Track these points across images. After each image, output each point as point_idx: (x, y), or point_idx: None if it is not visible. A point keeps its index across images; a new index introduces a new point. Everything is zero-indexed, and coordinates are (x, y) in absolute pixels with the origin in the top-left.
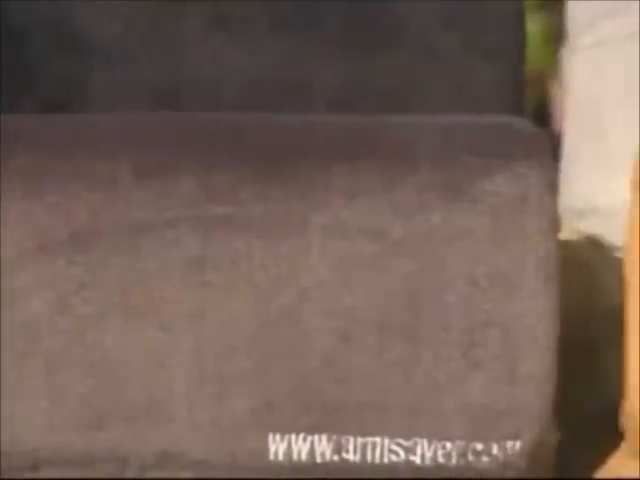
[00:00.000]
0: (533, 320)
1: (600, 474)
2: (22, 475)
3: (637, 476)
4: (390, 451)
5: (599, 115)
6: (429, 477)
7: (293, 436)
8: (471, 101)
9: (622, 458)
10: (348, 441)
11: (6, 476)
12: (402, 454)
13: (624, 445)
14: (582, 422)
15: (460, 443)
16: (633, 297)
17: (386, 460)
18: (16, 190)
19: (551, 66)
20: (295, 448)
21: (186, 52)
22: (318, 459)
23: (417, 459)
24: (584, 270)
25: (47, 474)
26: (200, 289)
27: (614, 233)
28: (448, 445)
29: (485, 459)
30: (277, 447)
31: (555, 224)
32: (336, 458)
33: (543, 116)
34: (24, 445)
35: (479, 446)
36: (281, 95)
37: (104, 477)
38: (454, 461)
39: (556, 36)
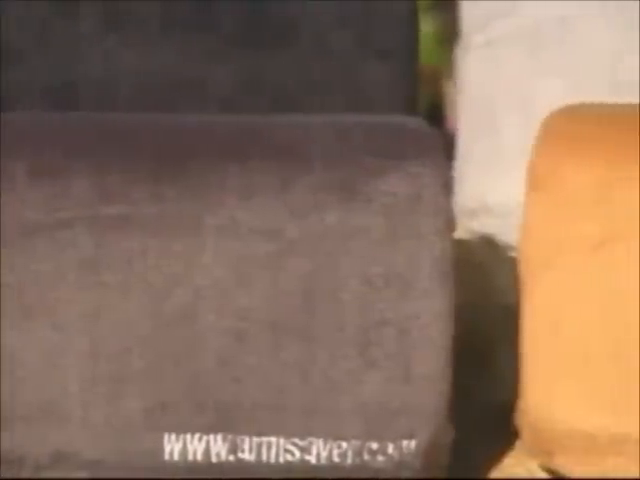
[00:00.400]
0: (428, 319)
1: (495, 473)
2: None
3: (531, 475)
4: (285, 451)
5: (492, 114)
6: (325, 477)
7: (188, 436)
8: (365, 101)
9: (517, 457)
10: (243, 441)
11: None
12: (297, 454)
13: (519, 444)
14: (477, 421)
15: (356, 442)
16: (527, 296)
17: (281, 460)
18: None
19: (445, 65)
20: (190, 448)
21: (80, 52)
22: (213, 459)
23: (312, 459)
24: (478, 269)
25: None
26: (94, 289)
27: (508, 233)
28: (344, 444)
29: (380, 458)
30: (172, 447)
31: (449, 223)
32: (232, 458)
33: (437, 116)
34: None
35: (374, 445)
36: (175, 95)
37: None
38: (350, 460)
39: (450, 36)
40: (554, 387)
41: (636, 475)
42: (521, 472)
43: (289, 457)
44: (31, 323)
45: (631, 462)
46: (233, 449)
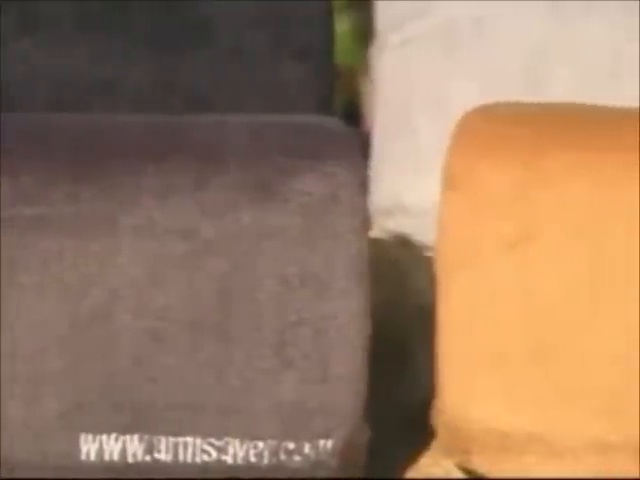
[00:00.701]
0: (344, 319)
1: (411, 473)
2: None
3: (448, 475)
4: (202, 451)
5: (408, 114)
6: (241, 477)
7: (105, 436)
8: (281, 101)
9: (433, 457)
10: (160, 441)
11: None
12: (214, 454)
13: (435, 443)
14: (394, 421)
15: (272, 442)
16: (443, 295)
17: (198, 460)
18: None
19: (361, 65)
20: (107, 448)
21: None
22: (130, 459)
23: (229, 458)
24: (395, 269)
25: None
26: (11, 290)
27: (424, 232)
28: (260, 444)
29: (297, 458)
30: (89, 447)
31: (365, 223)
32: (148, 458)
33: (353, 115)
34: None
35: (291, 445)
36: (89, 96)
37: None
38: (266, 460)
39: (366, 35)
40: (470, 386)
41: (551, 474)
42: (437, 472)
43: (206, 457)
44: None
45: (547, 461)
46: (149, 449)
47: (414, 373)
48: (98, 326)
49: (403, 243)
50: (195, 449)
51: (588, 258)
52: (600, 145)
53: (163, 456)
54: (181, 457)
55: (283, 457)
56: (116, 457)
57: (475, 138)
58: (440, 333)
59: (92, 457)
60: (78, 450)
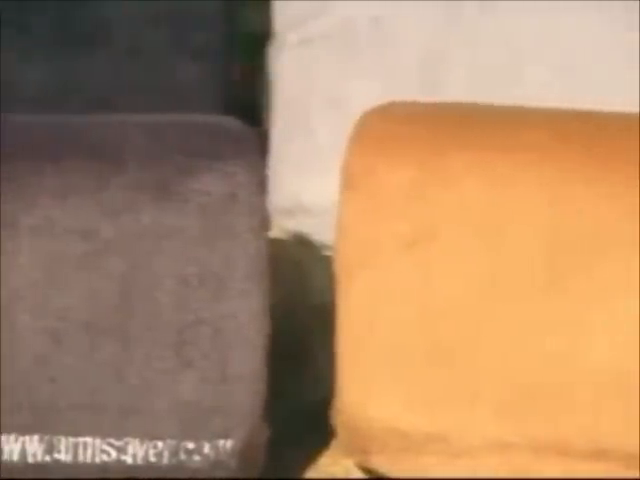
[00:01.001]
0: (244, 318)
1: (311, 472)
2: None
3: (347, 474)
4: (102, 451)
5: (306, 114)
6: (141, 476)
7: (4, 437)
8: (180, 100)
9: (333, 456)
10: (60, 441)
11: None
12: (114, 454)
13: (335, 443)
14: (293, 421)
15: (171, 442)
16: (343, 295)
17: (97, 460)
18: None
19: (260, 65)
20: (6, 448)
21: None
22: (30, 459)
23: (129, 458)
24: (294, 268)
25: None
26: None
27: (324, 232)
28: (160, 444)
29: (197, 458)
30: None
31: (265, 223)
32: (48, 458)
33: (252, 115)
34: None
35: (190, 445)
36: None
37: None
38: (166, 460)
39: (265, 35)
40: (370, 386)
41: (450, 474)
42: (337, 471)
43: (105, 457)
44: None
45: (446, 460)
46: (49, 449)
47: (314, 373)
48: None
49: (302, 243)
50: (95, 449)
51: (486, 257)
52: (497, 145)
53: (63, 456)
54: (81, 457)
55: (183, 457)
56: (16, 457)
57: (373, 138)
58: (340, 333)
59: None
60: None
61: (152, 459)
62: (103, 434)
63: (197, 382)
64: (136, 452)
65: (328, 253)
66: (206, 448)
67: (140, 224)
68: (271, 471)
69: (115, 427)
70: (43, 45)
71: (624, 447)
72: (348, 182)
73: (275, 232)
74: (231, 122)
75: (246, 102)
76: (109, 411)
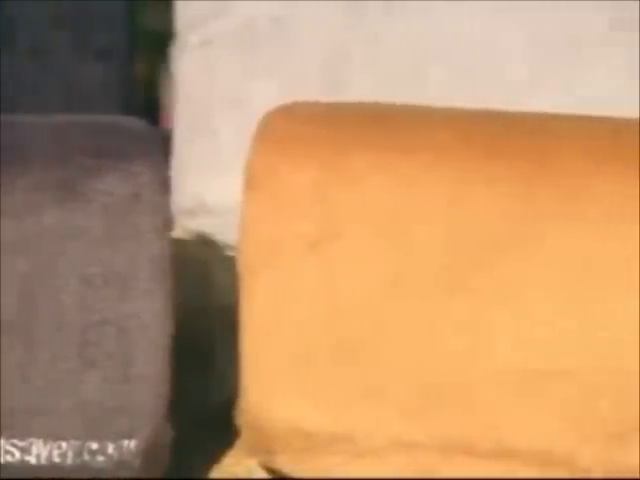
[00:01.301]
0: (147, 319)
1: (214, 473)
2: None
3: (251, 475)
4: (5, 451)
5: (209, 115)
6: (45, 477)
7: None
8: (84, 101)
9: (237, 456)
10: None
11: None
12: (17, 454)
13: (239, 443)
14: (198, 421)
15: (75, 443)
16: (247, 296)
17: (1, 460)
18: None
19: (163, 65)
20: None
21: None
22: None
23: (32, 459)
24: (198, 269)
25: None
26: None
27: (227, 232)
28: (64, 445)
29: (100, 458)
30: None
31: (168, 223)
32: None
33: (155, 115)
34: None
35: (94, 445)
36: None
37: None
38: (70, 461)
39: (167, 35)
40: (273, 386)
41: (355, 474)
42: (240, 471)
43: (9, 458)
44: None
45: (351, 460)
46: None
47: (218, 373)
48: None
49: (206, 243)
50: None
51: (389, 257)
52: (400, 145)
53: None
54: None
55: (87, 457)
56: None
57: (275, 137)
58: (244, 333)
59: None
60: None
61: (56, 459)
62: (7, 435)
63: (101, 382)
64: (40, 452)
65: (232, 253)
66: (110, 448)
67: (43, 225)
68: (175, 471)
69: (19, 428)
70: None
71: (528, 446)
72: (250, 182)
73: (178, 232)
74: (134, 122)
75: (149, 102)
76: (13, 412)
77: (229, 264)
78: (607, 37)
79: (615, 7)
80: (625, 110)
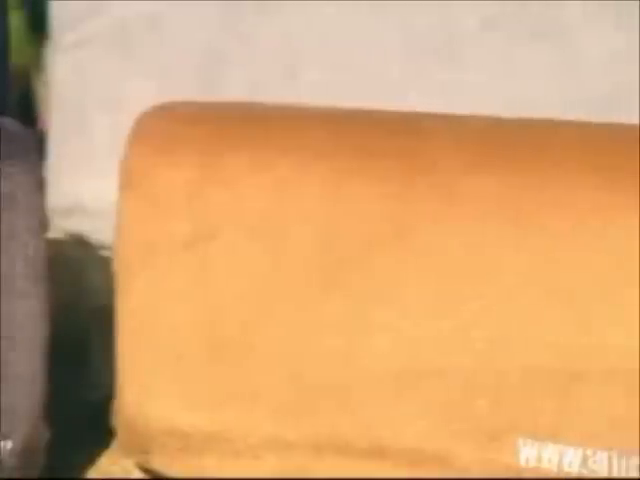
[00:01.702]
0: (22, 320)
1: (91, 472)
2: None
3: (127, 474)
4: None
5: (83, 114)
6: None
7: None
8: None
9: (113, 456)
10: None
11: None
12: None
13: (115, 443)
14: (73, 421)
15: None
16: (123, 296)
17: None
18: None
19: (36, 64)
20: None
21: None
22: None
23: None
24: (73, 269)
25: None
26: None
27: (103, 232)
28: None
29: None
30: None
31: (43, 223)
32: None
33: (29, 115)
34: None
35: None
36: None
37: None
38: None
39: (42, 34)
40: (149, 386)
41: (230, 474)
42: (117, 471)
43: None
44: None
45: (226, 460)
46: None
47: (94, 373)
48: None
49: (81, 243)
50: None
51: (265, 257)
52: (275, 145)
53: None
54: None
55: None
56: None
57: (151, 137)
58: (119, 333)
59: None
60: None
61: None
62: None
63: None
64: None
65: (107, 254)
66: None
67: None
68: (51, 471)
69: None
70: None
71: (401, 445)
72: (126, 182)
73: (54, 233)
74: (9, 123)
75: (24, 103)
76: None
77: (105, 264)
78: (479, 37)
79: (487, 6)
80: (498, 109)
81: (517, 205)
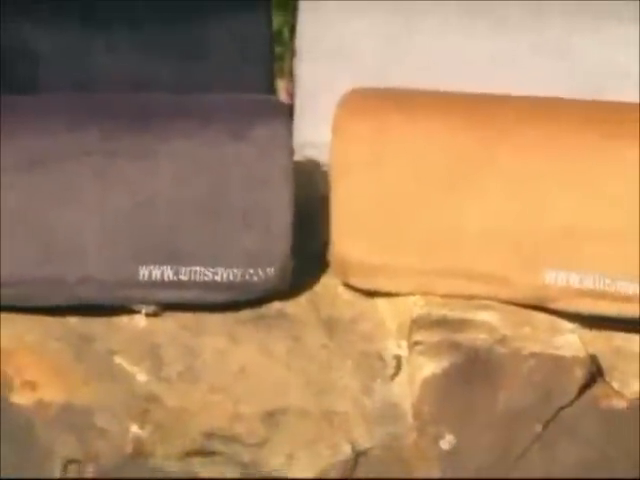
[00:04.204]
0: (276, 204)
1: (317, 289)
2: None
3: (334, 289)
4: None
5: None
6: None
7: None
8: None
9: (332, 276)
10: None
11: None
12: (209, 276)
13: (331, 268)
14: (308, 258)
15: (239, 270)
16: (335, 189)
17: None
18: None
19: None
20: None
21: None
22: None
23: (220, 279)
24: (306, 177)
25: None
26: None
27: (323, 157)
28: (235, 270)
29: (255, 278)
30: None
31: (292, 151)
32: None
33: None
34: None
35: (251, 271)
36: None
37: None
38: (238, 279)
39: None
40: (348, 237)
41: (389, 287)
42: (332, 284)
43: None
44: None
45: (389, 280)
46: None
47: (319, 230)
48: None
49: (312, 163)
50: None
51: (414, 169)
52: (422, 111)
53: None
54: None
55: (247, 278)
56: None
57: (350, 106)
58: (333, 208)
59: None
60: None
61: (230, 279)
62: (195, 264)
63: (255, 236)
64: (226, 275)
65: (326, 169)
66: (260, 272)
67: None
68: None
69: (205, 260)
70: None
71: (481, 271)
72: (334, 129)
73: (297, 157)
74: (274, 99)
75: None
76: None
77: (325, 174)
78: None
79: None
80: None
81: (543, 143)
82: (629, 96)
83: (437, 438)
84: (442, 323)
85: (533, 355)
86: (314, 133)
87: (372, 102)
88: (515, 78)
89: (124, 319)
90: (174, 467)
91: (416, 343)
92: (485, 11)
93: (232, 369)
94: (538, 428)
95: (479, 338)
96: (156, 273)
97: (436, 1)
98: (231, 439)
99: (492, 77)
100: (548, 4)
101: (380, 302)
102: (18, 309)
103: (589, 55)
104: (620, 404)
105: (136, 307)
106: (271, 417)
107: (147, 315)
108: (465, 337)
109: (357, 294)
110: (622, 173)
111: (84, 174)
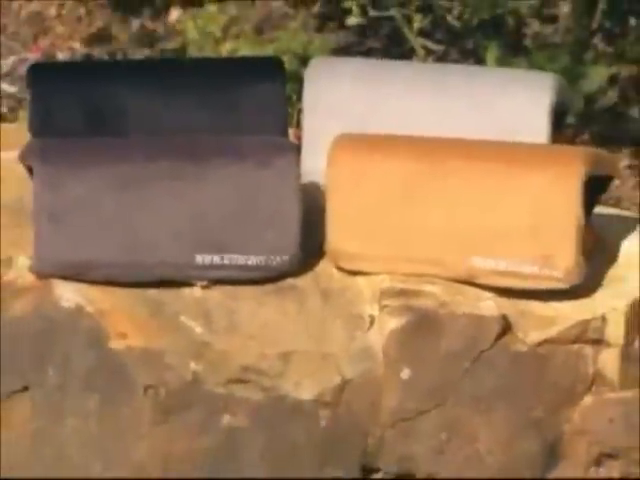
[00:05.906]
0: (285, 194)
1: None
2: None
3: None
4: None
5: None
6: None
7: None
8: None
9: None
10: None
11: None
12: (241, 261)
13: (327, 254)
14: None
15: (263, 256)
16: (330, 189)
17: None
18: None
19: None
20: None
21: None
22: None
23: (250, 262)
24: (313, 186)
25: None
26: None
27: (319, 176)
28: (261, 257)
29: (274, 262)
30: None
31: (298, 178)
32: None
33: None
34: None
35: (273, 257)
36: None
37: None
38: (286, 266)
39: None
40: (342, 232)
41: (377, 268)
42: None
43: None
44: None
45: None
46: None
47: (319, 230)
48: None
49: (315, 185)
50: None
51: (404, 180)
52: (396, 151)
53: None
54: None
55: (269, 261)
56: None
57: (341, 146)
58: (328, 203)
59: None
60: None
61: (261, 263)
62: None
63: (272, 230)
64: (255, 261)
65: (323, 187)
66: (278, 258)
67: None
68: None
69: (239, 247)
70: None
71: (434, 256)
72: (329, 161)
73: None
74: (285, 140)
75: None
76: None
77: (323, 192)
78: None
79: None
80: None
81: (469, 169)
82: (534, 139)
83: (399, 371)
84: (402, 293)
85: (464, 315)
86: (315, 164)
87: (356, 143)
88: (453, 126)
89: (186, 290)
90: (220, 391)
91: (384, 306)
92: (431, 80)
93: (259, 323)
94: (467, 364)
95: (427, 303)
96: (208, 259)
97: (401, 77)
98: (258, 372)
99: (437, 125)
100: (480, 74)
101: (360, 279)
102: (114, 284)
103: (505, 111)
104: (523, 348)
105: (194, 282)
106: (285, 356)
107: (202, 287)
108: (418, 302)
109: (344, 273)
110: (523, 190)
111: (157, 192)
